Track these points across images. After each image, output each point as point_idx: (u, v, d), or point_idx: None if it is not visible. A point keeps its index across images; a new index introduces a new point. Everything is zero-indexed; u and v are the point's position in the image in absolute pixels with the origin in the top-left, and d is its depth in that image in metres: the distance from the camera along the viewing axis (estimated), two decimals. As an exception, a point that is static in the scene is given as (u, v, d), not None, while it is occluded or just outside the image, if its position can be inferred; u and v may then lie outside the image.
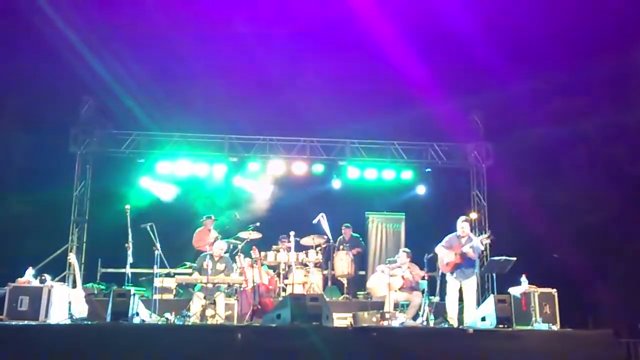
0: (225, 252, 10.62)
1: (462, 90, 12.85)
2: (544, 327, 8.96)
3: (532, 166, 12.86)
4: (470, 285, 9.84)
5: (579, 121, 12.02)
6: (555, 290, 9.37)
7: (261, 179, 13.45)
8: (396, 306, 10.36)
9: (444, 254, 9.93)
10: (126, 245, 9.55)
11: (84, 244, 12.80)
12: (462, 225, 9.96)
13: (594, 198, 12.02)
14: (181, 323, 9.15)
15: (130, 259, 9.52)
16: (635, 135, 11.83)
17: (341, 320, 10.37)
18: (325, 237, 11.99)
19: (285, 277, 11.69)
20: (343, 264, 12.21)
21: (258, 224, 11.60)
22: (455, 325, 9.46)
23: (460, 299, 9.92)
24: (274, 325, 8.27)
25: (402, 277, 10.49)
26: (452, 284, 9.88)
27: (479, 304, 9.80)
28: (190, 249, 12.03)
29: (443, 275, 10.06)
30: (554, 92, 12.30)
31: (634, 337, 8.95)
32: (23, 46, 11.56)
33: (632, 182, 11.75)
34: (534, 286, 9.53)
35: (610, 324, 8.70)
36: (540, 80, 12.20)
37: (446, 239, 10.08)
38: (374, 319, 9.81)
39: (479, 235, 10.47)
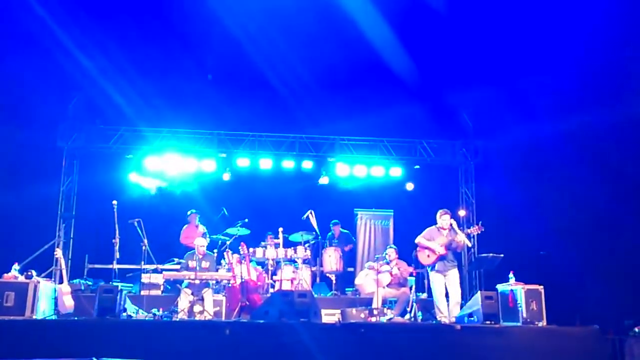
0: (207, 250, 10.61)
1: (451, 88, 12.87)
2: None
3: (521, 164, 12.92)
4: (453, 277, 9.73)
5: (568, 119, 12.07)
6: (542, 287, 9.40)
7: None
8: (384, 302, 10.38)
9: (426, 245, 9.79)
10: (113, 241, 9.54)
11: (71, 240, 12.72)
12: (443, 218, 9.85)
13: (582, 196, 12.09)
14: (169, 319, 9.11)
15: (117, 255, 9.49)
16: (624, 134, 11.90)
17: (329, 316, 10.36)
18: (314, 233, 12.00)
19: (274, 273, 11.69)
20: (332, 260, 12.22)
21: (246, 220, 11.61)
22: (448, 320, 9.44)
23: (446, 294, 9.89)
24: (262, 321, 8.26)
25: (390, 273, 10.51)
26: (437, 278, 9.75)
27: (463, 295, 9.76)
28: (178, 245, 12.00)
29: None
30: (543, 89, 12.34)
31: (620, 334, 9.02)
32: (10, 41, 11.45)
33: (620, 180, 11.82)
34: (521, 283, 9.57)
35: (597, 320, 8.73)
36: (529, 78, 12.24)
37: (426, 231, 9.97)
38: (362, 315, 9.82)
39: (466, 229, 10.40)
